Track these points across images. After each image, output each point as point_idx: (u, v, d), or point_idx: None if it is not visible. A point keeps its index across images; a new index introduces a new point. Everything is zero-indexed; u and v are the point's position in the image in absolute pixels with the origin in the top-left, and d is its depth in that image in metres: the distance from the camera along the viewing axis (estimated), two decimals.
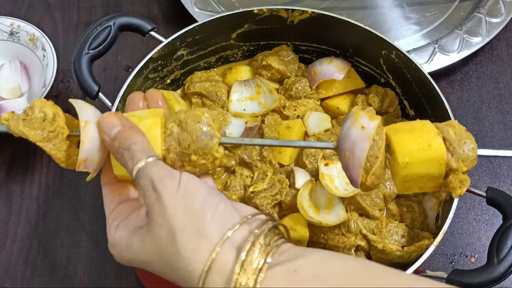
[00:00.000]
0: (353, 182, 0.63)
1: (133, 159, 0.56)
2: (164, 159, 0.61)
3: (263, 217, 0.55)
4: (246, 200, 0.88)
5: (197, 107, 0.98)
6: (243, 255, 0.50)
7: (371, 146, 0.61)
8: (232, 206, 0.55)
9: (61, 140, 0.63)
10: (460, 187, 0.63)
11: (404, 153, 0.61)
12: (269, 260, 0.51)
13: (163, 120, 0.63)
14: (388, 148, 0.63)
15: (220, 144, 0.62)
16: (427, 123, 0.64)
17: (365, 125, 0.61)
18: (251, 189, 0.87)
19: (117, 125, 0.59)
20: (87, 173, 1.06)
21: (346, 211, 0.86)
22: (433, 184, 0.63)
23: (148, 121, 0.62)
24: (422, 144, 0.61)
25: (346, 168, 0.63)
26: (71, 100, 0.65)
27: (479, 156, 0.64)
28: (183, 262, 0.51)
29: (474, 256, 1.00)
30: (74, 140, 0.65)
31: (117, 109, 0.87)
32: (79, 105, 0.64)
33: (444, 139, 0.62)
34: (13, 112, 0.64)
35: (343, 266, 0.51)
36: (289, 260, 0.51)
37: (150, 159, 0.56)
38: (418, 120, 0.65)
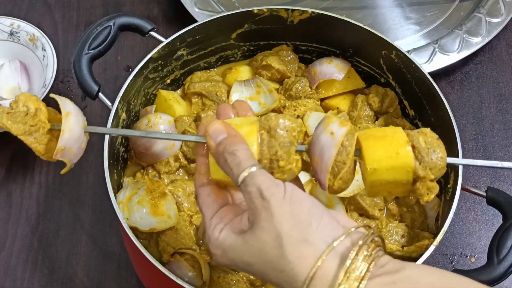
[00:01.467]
0: (321, 185, 0.65)
1: (239, 166, 0.59)
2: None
3: (364, 230, 0.57)
4: None
5: (197, 107, 0.98)
6: (348, 263, 0.53)
7: (339, 151, 0.62)
8: (335, 218, 0.58)
9: (42, 134, 0.66)
10: (428, 194, 0.64)
11: (372, 160, 0.62)
12: (371, 269, 0.53)
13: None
14: (359, 153, 0.64)
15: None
16: (398, 130, 0.65)
17: (334, 131, 0.63)
18: None
19: (223, 132, 0.62)
20: (87, 173, 1.06)
21: (346, 211, 0.86)
22: (402, 189, 0.65)
23: (245, 128, 0.63)
24: (391, 152, 0.62)
25: (314, 172, 0.65)
26: (53, 95, 0.67)
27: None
28: (288, 266, 0.54)
29: (474, 256, 1.00)
30: (55, 134, 0.67)
31: (117, 109, 0.87)
32: (60, 98, 0.66)
33: (413, 147, 0.63)
34: None
35: (441, 281, 0.53)
36: (389, 273, 0.53)
37: (254, 168, 0.58)
38: (391, 126, 0.66)
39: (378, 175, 0.63)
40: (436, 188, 0.64)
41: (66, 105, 0.65)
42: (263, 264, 0.56)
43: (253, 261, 0.57)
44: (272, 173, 0.62)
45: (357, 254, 0.53)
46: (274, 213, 0.56)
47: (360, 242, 0.54)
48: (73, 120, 0.65)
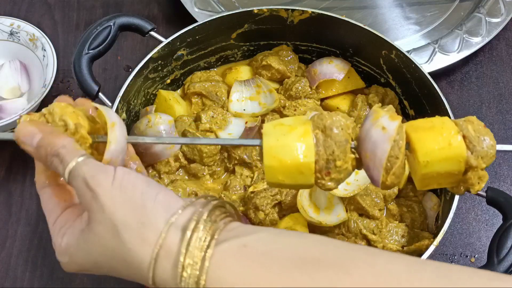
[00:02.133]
0: (374, 181, 0.63)
1: (63, 163, 0.55)
2: (315, 166, 0.61)
3: (204, 200, 0.54)
4: (246, 200, 0.88)
5: (197, 107, 0.98)
6: (188, 234, 0.49)
7: (392, 147, 0.61)
8: (173, 194, 0.54)
9: (84, 148, 0.61)
10: (479, 183, 0.63)
11: (424, 153, 0.61)
12: (216, 236, 0.50)
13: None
14: (408, 146, 0.63)
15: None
16: (446, 120, 0.63)
17: (386, 125, 0.61)
18: (251, 189, 0.87)
19: (37, 132, 0.57)
20: None
21: (346, 211, 0.86)
22: (452, 180, 0.64)
23: (299, 129, 0.62)
24: (443, 143, 0.61)
25: (367, 168, 0.63)
26: (98, 105, 0.63)
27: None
28: (130, 255, 0.51)
29: (474, 256, 1.00)
30: (94, 144, 0.63)
31: (117, 109, 0.87)
32: (105, 109, 0.63)
33: (463, 137, 0.62)
34: (30, 114, 0.62)
35: (294, 243, 0.50)
36: (238, 236, 0.50)
37: (80, 159, 0.54)
38: (437, 116, 0.65)
39: (431, 167, 0.61)
40: (486, 177, 0.63)
41: (111, 115, 0.62)
42: (108, 259, 0.53)
43: (99, 259, 0.53)
44: (328, 174, 0.61)
45: (197, 222, 0.50)
46: (104, 202, 0.52)
47: (201, 209, 0.51)
48: (118, 131, 0.61)
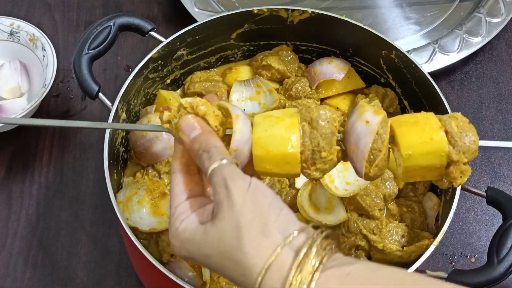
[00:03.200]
0: (358, 173, 0.66)
1: (210, 159, 0.60)
2: (301, 156, 0.65)
3: (318, 228, 0.59)
4: None
5: None
6: (301, 255, 0.54)
7: (375, 140, 0.63)
8: (293, 214, 0.59)
9: None
10: (461, 177, 0.66)
11: (407, 146, 0.64)
12: (324, 262, 0.54)
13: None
14: (393, 139, 0.66)
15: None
16: (430, 116, 0.66)
17: (369, 119, 0.64)
18: None
19: (198, 128, 0.63)
20: (87, 173, 1.06)
21: (346, 211, 0.86)
22: (435, 173, 0.66)
23: (287, 121, 0.65)
24: (425, 137, 0.64)
25: (351, 160, 0.66)
26: (223, 103, 0.66)
27: (480, 149, 0.66)
28: (244, 257, 0.54)
29: (474, 256, 1.00)
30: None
31: (117, 109, 0.87)
32: (228, 104, 0.66)
33: (446, 132, 0.64)
34: (171, 111, 0.65)
35: (393, 276, 0.53)
36: (342, 264, 0.54)
37: (224, 161, 0.59)
38: (422, 112, 0.67)
39: (413, 161, 0.64)
40: (468, 171, 0.65)
41: (235, 109, 0.65)
42: (220, 255, 0.56)
43: (211, 252, 0.57)
44: (314, 164, 0.65)
45: (310, 247, 0.54)
46: (236, 203, 0.56)
47: (314, 236, 0.55)
48: (242, 123, 0.64)
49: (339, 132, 0.66)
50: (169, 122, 0.65)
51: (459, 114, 0.67)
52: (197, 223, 0.59)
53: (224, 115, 0.66)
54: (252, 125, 0.66)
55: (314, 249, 0.54)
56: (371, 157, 0.64)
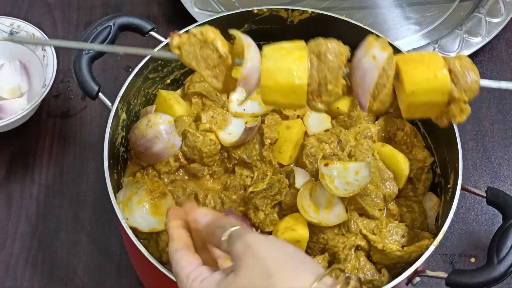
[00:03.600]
0: (361, 107, 0.69)
1: (224, 228, 0.61)
2: (308, 88, 0.67)
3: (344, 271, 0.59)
4: (246, 200, 0.88)
5: (197, 107, 0.98)
6: None
7: (380, 75, 0.66)
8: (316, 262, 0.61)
9: (223, 72, 0.68)
10: (460, 115, 0.68)
11: (411, 82, 0.66)
12: None
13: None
14: (397, 76, 0.67)
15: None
16: (435, 55, 0.68)
17: (376, 55, 0.66)
18: (250, 189, 0.87)
19: (210, 214, 0.66)
20: (87, 173, 1.06)
21: (346, 211, 0.86)
22: (436, 110, 0.68)
23: (296, 53, 0.67)
24: (429, 75, 0.66)
25: (355, 94, 0.68)
26: (234, 31, 0.69)
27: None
28: None
29: (474, 256, 1.00)
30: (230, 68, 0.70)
31: (117, 109, 0.87)
32: (239, 34, 0.68)
33: (449, 71, 0.66)
34: (179, 34, 0.67)
35: None
36: None
37: (238, 227, 0.61)
38: (428, 51, 0.69)
39: (416, 97, 0.66)
40: (468, 110, 0.68)
41: (246, 38, 0.68)
42: None
43: None
44: (319, 96, 0.67)
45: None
46: (258, 249, 0.56)
47: (345, 278, 0.55)
48: (253, 52, 0.67)
49: (345, 66, 0.68)
50: (178, 48, 0.67)
51: (463, 55, 0.69)
52: (220, 278, 0.59)
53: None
54: (261, 56, 0.68)
55: None
56: (376, 91, 0.66)
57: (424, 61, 0.67)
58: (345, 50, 0.68)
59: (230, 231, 0.61)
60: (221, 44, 0.67)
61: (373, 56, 0.66)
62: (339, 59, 0.67)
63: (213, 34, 0.67)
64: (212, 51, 0.67)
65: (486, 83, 0.70)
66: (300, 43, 0.70)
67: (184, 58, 0.67)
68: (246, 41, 0.67)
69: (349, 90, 0.69)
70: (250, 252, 0.57)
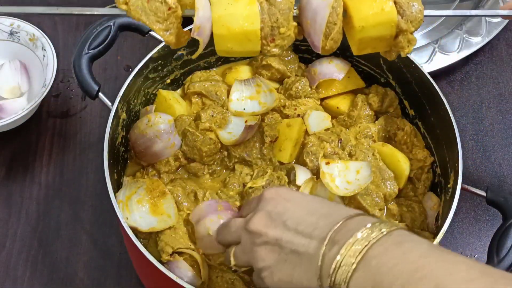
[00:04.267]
0: (314, 47, 0.70)
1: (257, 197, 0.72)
2: (261, 33, 0.68)
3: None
4: (244, 195, 0.87)
5: (197, 106, 0.98)
6: (368, 225, 0.59)
7: (330, 13, 0.67)
8: None
9: (175, 24, 0.68)
10: (408, 46, 0.70)
11: (359, 18, 0.68)
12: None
13: None
14: (345, 13, 0.69)
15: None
16: None
17: None
18: (249, 185, 0.87)
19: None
20: (87, 173, 1.06)
21: None
22: (385, 44, 0.71)
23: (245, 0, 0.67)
24: (376, 9, 0.68)
25: (308, 35, 0.70)
26: None
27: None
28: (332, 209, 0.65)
29: (474, 256, 1.00)
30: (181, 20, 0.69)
31: (117, 109, 0.87)
32: None
33: (395, 3, 0.68)
34: None
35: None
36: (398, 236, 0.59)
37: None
38: None
39: (366, 32, 0.68)
40: (414, 41, 0.70)
41: None
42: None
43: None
44: (273, 40, 0.68)
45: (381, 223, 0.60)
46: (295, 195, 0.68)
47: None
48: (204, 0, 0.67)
49: (294, 9, 0.69)
50: (125, 3, 0.67)
51: None
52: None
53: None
54: (210, 3, 0.67)
55: (383, 224, 0.59)
56: (327, 30, 0.67)
57: None
58: None
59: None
60: None
61: None
62: (288, 0, 0.68)
63: None
64: (160, 3, 0.66)
65: (430, 12, 0.72)
66: None
67: (133, 13, 0.66)
68: None
69: (300, 32, 0.70)
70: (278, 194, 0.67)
